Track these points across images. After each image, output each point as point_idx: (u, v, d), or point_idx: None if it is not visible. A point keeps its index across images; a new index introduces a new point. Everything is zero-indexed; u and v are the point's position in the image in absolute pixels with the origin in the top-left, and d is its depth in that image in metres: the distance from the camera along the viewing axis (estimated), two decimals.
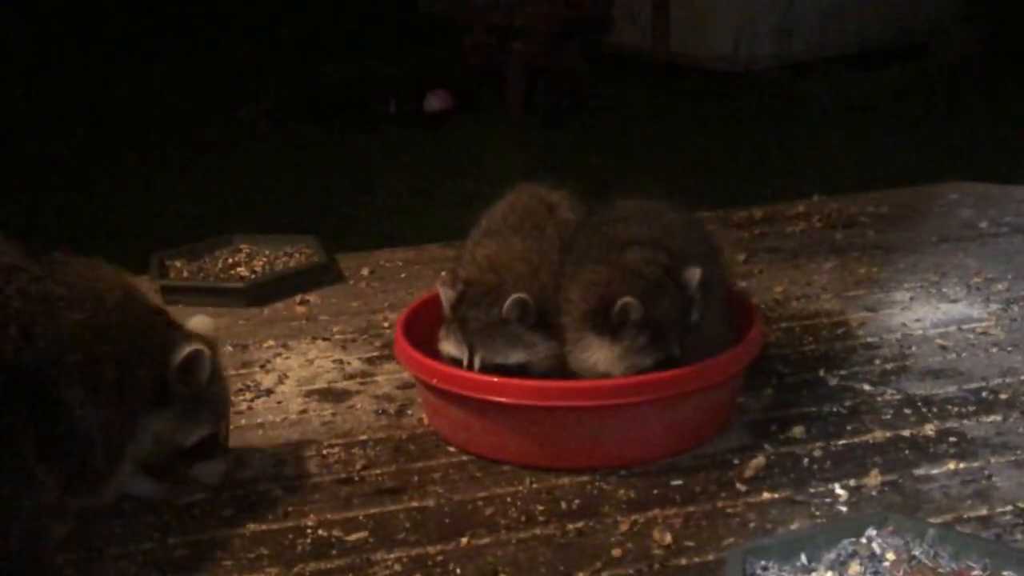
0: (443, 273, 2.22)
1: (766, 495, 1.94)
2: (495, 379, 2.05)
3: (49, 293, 1.80)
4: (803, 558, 1.63)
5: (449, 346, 2.15)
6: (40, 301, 1.78)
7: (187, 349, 1.90)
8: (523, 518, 1.92)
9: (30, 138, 6.95)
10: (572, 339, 2.07)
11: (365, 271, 3.23)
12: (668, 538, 1.82)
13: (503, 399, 2.01)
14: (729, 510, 1.91)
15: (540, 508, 1.95)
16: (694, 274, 2.03)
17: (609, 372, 2.03)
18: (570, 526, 1.89)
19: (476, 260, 2.18)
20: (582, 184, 2.47)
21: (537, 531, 1.88)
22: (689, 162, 6.06)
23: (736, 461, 2.06)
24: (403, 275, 3.22)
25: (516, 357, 2.08)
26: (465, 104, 7.50)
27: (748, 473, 2.01)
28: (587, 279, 2.05)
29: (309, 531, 1.91)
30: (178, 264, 3.22)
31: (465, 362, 2.10)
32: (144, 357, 1.87)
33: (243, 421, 2.35)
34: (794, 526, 1.84)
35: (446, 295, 2.15)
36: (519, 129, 7.16)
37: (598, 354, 2.03)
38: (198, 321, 2.06)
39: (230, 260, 3.25)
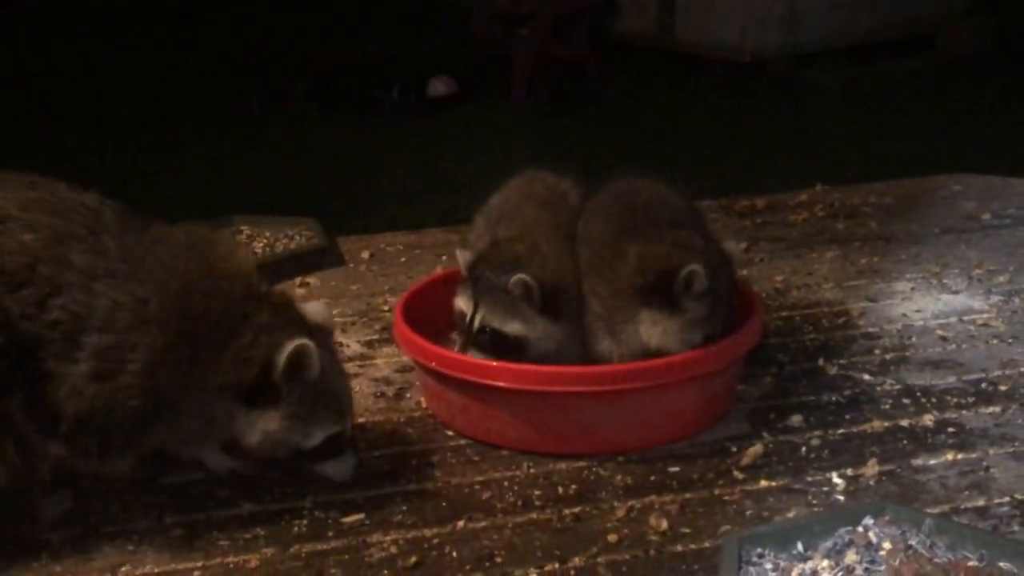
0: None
1: (763, 483, 1.94)
2: (493, 363, 2.05)
3: (96, 267, 1.72)
4: (799, 546, 1.63)
5: (460, 301, 2.15)
6: (81, 273, 1.71)
7: (291, 345, 1.77)
8: (520, 502, 1.92)
9: (31, 119, 6.94)
10: (620, 319, 2.05)
11: (365, 254, 3.23)
12: (664, 524, 1.82)
13: (501, 383, 2.01)
14: (726, 497, 1.91)
15: (537, 493, 1.95)
16: (733, 247, 2.04)
17: (663, 348, 2.02)
18: (567, 511, 1.89)
19: (498, 236, 2.17)
20: (585, 172, 2.46)
21: (534, 515, 1.88)
22: (693, 151, 6.05)
23: (734, 449, 2.06)
24: (403, 259, 3.21)
25: (513, 328, 2.07)
26: (469, 90, 7.48)
27: (746, 461, 2.01)
28: (638, 254, 2.03)
29: (306, 512, 1.91)
30: None
31: (468, 318, 2.10)
32: (234, 347, 1.77)
33: None
34: (791, 514, 1.84)
35: (463, 256, 2.16)
36: (523, 116, 7.15)
37: (654, 328, 2.02)
38: (314, 308, 1.95)
39: None
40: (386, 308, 2.82)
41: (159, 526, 1.88)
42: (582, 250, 2.16)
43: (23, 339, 1.69)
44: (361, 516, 1.89)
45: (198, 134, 6.75)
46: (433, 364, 2.10)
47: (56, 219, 1.77)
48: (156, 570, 1.76)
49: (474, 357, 2.09)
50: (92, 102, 7.49)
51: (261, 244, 3.22)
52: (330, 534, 1.85)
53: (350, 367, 2.50)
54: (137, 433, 1.79)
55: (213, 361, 1.77)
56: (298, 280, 3.04)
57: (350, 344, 2.63)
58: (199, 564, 1.77)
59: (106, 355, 1.72)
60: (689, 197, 2.37)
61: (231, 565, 1.77)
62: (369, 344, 2.63)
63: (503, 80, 7.50)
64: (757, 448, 2.04)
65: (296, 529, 1.86)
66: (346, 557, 1.78)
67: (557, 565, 1.73)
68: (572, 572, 1.72)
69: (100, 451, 1.78)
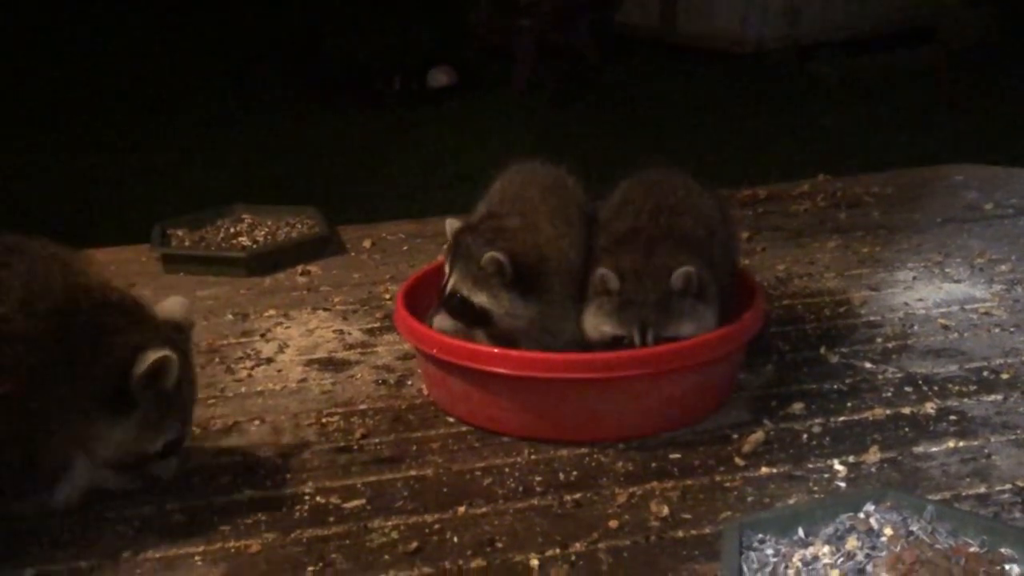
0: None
1: (764, 470, 1.94)
2: (495, 350, 2.05)
3: None
4: (800, 532, 1.63)
5: (445, 267, 2.15)
6: None
7: (151, 357, 1.74)
8: (521, 488, 1.92)
9: (34, 109, 6.94)
10: (676, 310, 2.04)
11: (367, 243, 3.23)
12: (665, 510, 1.82)
13: (503, 370, 2.01)
14: (727, 484, 1.90)
15: (538, 479, 1.95)
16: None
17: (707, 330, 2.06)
18: (567, 497, 1.88)
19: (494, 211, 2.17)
20: (586, 163, 2.45)
21: (534, 501, 1.88)
22: (695, 141, 6.04)
23: (735, 436, 2.06)
24: (405, 248, 3.21)
25: (480, 299, 2.07)
26: (470, 81, 7.47)
27: (747, 448, 2.01)
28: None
29: (307, 498, 1.91)
30: (180, 233, 3.21)
31: (444, 280, 2.11)
32: (95, 359, 1.73)
33: (243, 389, 2.35)
34: (792, 501, 1.84)
35: (451, 224, 2.16)
36: (524, 107, 7.14)
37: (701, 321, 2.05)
38: (171, 304, 1.91)
39: (232, 229, 3.24)
40: (387, 296, 2.82)
41: (160, 512, 1.88)
42: (600, 236, 2.15)
43: None
44: (362, 502, 1.90)
45: (200, 123, 6.74)
46: (434, 351, 2.10)
47: None
48: (157, 555, 1.76)
49: (442, 322, 2.09)
50: (93, 92, 7.48)
51: (263, 233, 3.22)
52: (331, 519, 1.85)
53: (351, 355, 2.50)
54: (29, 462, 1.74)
55: (79, 376, 1.72)
56: (299, 268, 3.04)
57: (351, 332, 2.63)
58: (200, 549, 1.77)
59: None
60: (718, 192, 2.38)
61: (232, 550, 1.77)
62: (370, 332, 2.63)
63: (504, 71, 7.49)
64: (758, 435, 2.04)
65: (297, 515, 1.86)
66: (347, 542, 1.78)
67: (558, 550, 1.73)
68: (573, 557, 1.72)
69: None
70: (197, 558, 1.75)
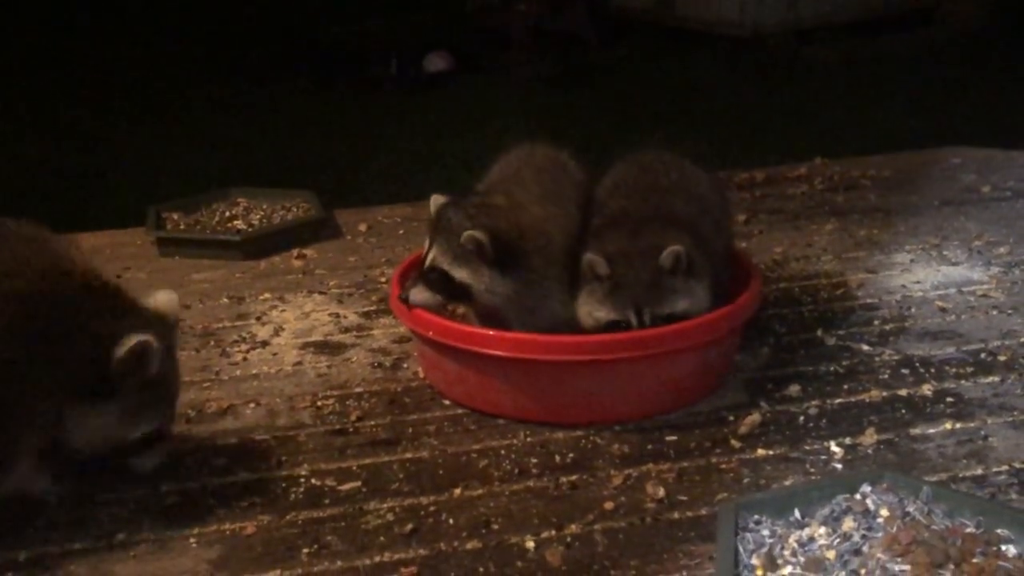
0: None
1: (761, 452, 1.94)
2: (491, 332, 2.04)
3: None
4: (796, 513, 1.63)
5: (426, 241, 2.13)
6: None
7: (132, 340, 1.69)
8: (516, 470, 1.92)
9: (31, 91, 6.91)
10: (668, 288, 2.03)
11: (363, 227, 3.22)
12: (661, 492, 1.82)
13: (499, 352, 2.00)
14: (723, 466, 1.90)
15: (534, 461, 1.94)
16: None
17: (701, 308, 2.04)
18: (563, 479, 1.88)
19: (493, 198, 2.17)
20: (585, 146, 2.44)
21: (530, 483, 1.88)
22: (693, 124, 6.02)
23: (731, 418, 2.05)
24: (401, 231, 3.20)
25: (459, 274, 2.06)
26: (466, 65, 7.45)
27: (743, 430, 2.00)
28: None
29: (302, 480, 1.91)
30: (175, 216, 3.20)
31: (424, 253, 2.10)
32: (74, 344, 1.68)
33: (238, 372, 2.34)
34: (788, 482, 1.83)
35: (436, 200, 2.15)
36: (521, 91, 7.11)
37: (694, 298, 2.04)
38: (160, 298, 1.86)
39: (227, 213, 3.23)
40: (383, 280, 2.81)
41: (154, 494, 1.88)
42: (594, 217, 2.15)
43: None
44: (358, 484, 1.89)
45: (196, 107, 6.72)
46: (430, 333, 2.09)
47: None
48: (152, 537, 1.76)
49: (419, 295, 2.08)
50: (88, 75, 7.45)
51: (258, 216, 3.21)
52: (327, 502, 1.84)
53: (347, 338, 2.49)
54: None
55: (53, 361, 1.67)
56: (295, 251, 3.03)
57: (347, 315, 2.62)
58: (195, 531, 1.77)
59: None
60: (713, 173, 2.37)
61: (227, 532, 1.77)
62: (366, 315, 2.62)
63: (501, 55, 7.46)
64: (755, 417, 2.03)
65: (292, 497, 1.86)
66: (343, 524, 1.78)
67: (553, 532, 1.73)
68: (568, 539, 1.71)
69: None
70: (192, 540, 1.75)
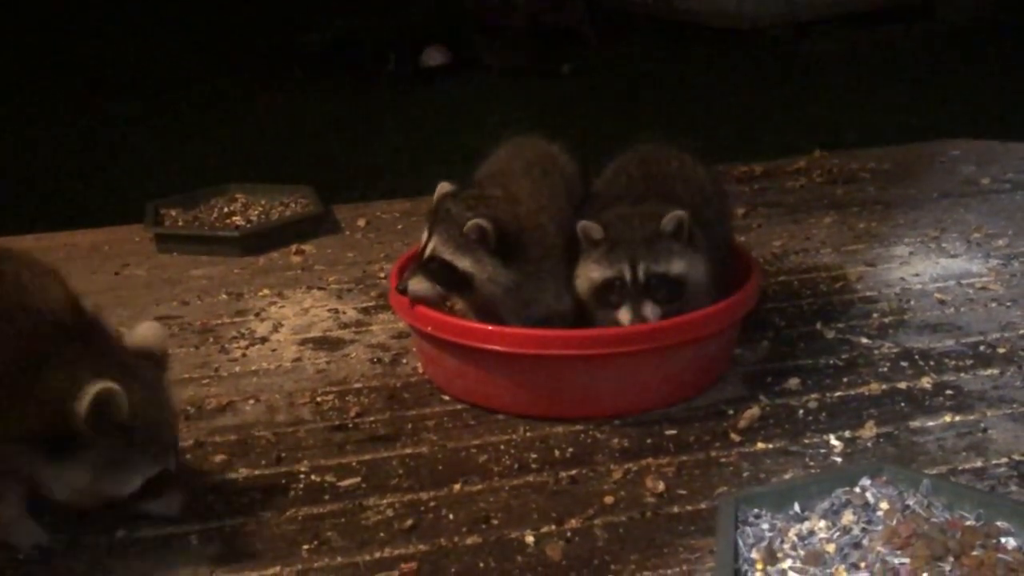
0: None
1: (760, 445, 1.94)
2: (489, 327, 2.04)
3: None
4: (796, 507, 1.63)
5: (424, 233, 2.12)
6: None
7: (93, 390, 1.51)
8: (516, 466, 1.91)
9: (29, 88, 6.90)
10: (666, 248, 2.01)
11: (361, 222, 3.22)
12: (661, 486, 1.82)
13: (497, 347, 2.00)
14: (723, 460, 1.90)
15: (533, 456, 1.94)
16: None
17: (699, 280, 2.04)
18: (563, 474, 1.88)
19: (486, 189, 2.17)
20: (582, 140, 2.44)
21: (530, 478, 1.88)
22: (691, 118, 6.01)
23: (731, 412, 2.05)
24: (399, 226, 3.20)
25: (462, 263, 2.05)
26: (464, 60, 7.43)
27: (742, 424, 2.00)
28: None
29: (302, 476, 1.91)
30: (173, 212, 3.20)
31: (423, 244, 2.08)
32: (31, 395, 1.53)
33: (237, 368, 2.34)
34: (788, 476, 1.83)
35: (442, 187, 2.14)
36: (518, 85, 7.10)
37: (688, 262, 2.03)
38: (143, 332, 1.71)
39: (226, 209, 3.23)
40: (382, 275, 2.81)
41: None
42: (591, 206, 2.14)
43: None
44: (357, 480, 1.89)
45: (193, 102, 6.71)
46: (429, 329, 2.09)
47: None
48: (152, 534, 1.76)
49: (419, 285, 2.06)
50: (86, 71, 7.44)
51: (256, 211, 3.21)
52: (326, 498, 1.84)
53: (346, 334, 2.49)
54: None
55: (14, 407, 1.53)
56: (294, 247, 3.03)
57: (347, 311, 2.62)
58: (195, 528, 1.77)
59: None
60: (712, 167, 2.36)
61: (228, 529, 1.77)
62: (365, 311, 2.62)
63: (499, 50, 7.45)
64: (754, 411, 2.03)
65: (292, 493, 1.86)
66: (343, 520, 1.78)
67: (553, 527, 1.73)
68: (568, 534, 1.71)
69: None
70: (192, 537, 1.75)
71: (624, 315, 2.00)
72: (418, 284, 2.08)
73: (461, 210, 2.06)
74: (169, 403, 1.70)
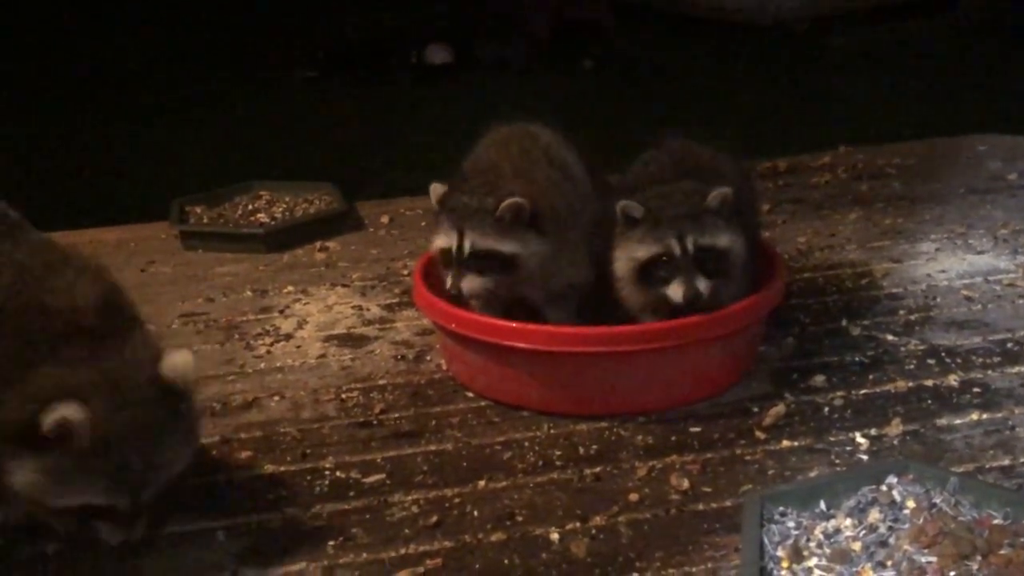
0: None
1: (785, 443, 1.93)
2: (513, 324, 2.04)
3: None
4: (822, 505, 1.62)
5: (439, 238, 2.09)
6: None
7: (58, 413, 1.48)
8: (540, 463, 1.92)
9: (52, 87, 6.95)
10: (711, 223, 2.00)
11: (385, 219, 3.22)
12: (685, 483, 1.81)
13: (521, 344, 2.00)
14: (748, 457, 1.89)
15: (558, 453, 1.94)
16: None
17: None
18: (587, 471, 1.88)
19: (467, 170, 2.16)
20: (605, 135, 2.43)
21: (554, 475, 1.88)
22: (713, 114, 5.98)
23: (756, 409, 2.04)
24: (423, 223, 3.19)
25: (507, 247, 2.04)
26: (480, 55, 7.42)
27: (767, 421, 1.99)
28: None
29: (327, 473, 1.92)
30: (198, 210, 3.22)
31: (454, 247, 2.05)
32: (12, 389, 1.53)
33: (262, 365, 2.35)
34: (813, 474, 1.83)
35: (435, 190, 2.11)
36: (540, 81, 7.09)
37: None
38: (173, 361, 1.61)
39: (250, 206, 3.25)
40: (405, 272, 2.81)
41: (180, 487, 1.88)
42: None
43: None
44: (382, 476, 1.90)
45: (216, 100, 6.73)
46: (453, 326, 2.09)
47: None
48: (178, 530, 1.77)
49: (472, 283, 2.04)
50: (110, 68, 7.48)
51: (280, 209, 3.23)
52: (351, 494, 1.85)
53: (370, 330, 2.50)
54: None
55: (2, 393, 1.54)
56: (318, 244, 3.04)
57: (370, 307, 2.63)
58: (221, 524, 1.78)
59: None
60: (741, 160, 2.35)
61: (254, 525, 1.78)
62: (389, 308, 2.63)
63: (518, 43, 7.44)
64: (779, 408, 2.02)
65: (318, 489, 1.87)
66: (368, 516, 1.78)
67: (578, 524, 1.73)
68: (593, 531, 1.71)
69: None
70: (219, 533, 1.76)
71: (676, 290, 1.97)
72: (470, 283, 2.05)
73: (482, 197, 2.05)
74: (159, 435, 1.58)
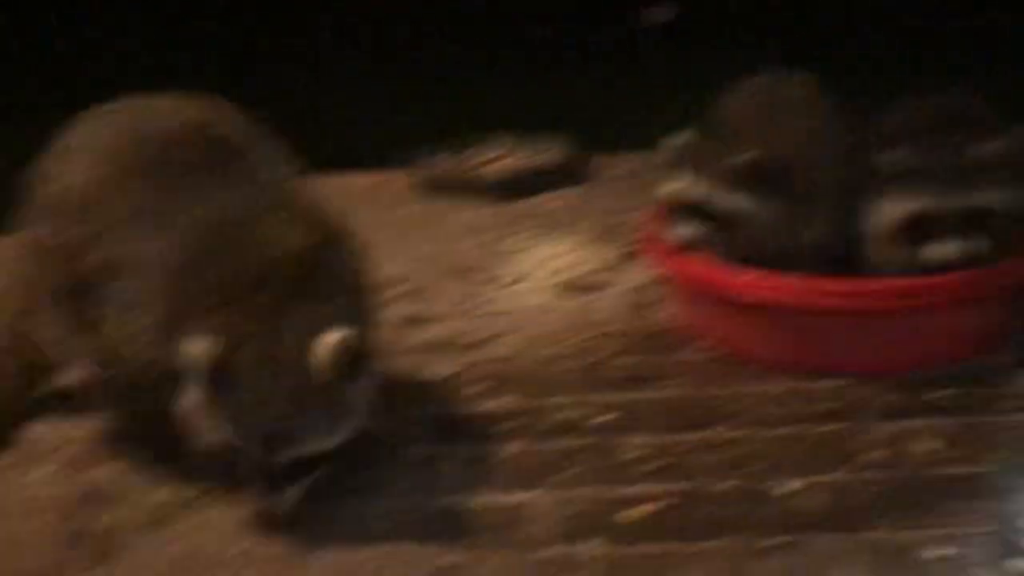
0: None
1: None
2: (747, 278, 1.98)
3: None
4: None
5: (669, 187, 2.10)
6: None
7: (200, 344, 1.56)
8: (774, 416, 1.87)
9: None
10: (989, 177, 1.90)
11: (617, 171, 3.22)
12: (931, 447, 1.72)
13: (759, 299, 1.95)
14: (997, 426, 1.77)
15: (792, 408, 1.89)
16: None
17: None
18: (822, 428, 1.82)
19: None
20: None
21: (787, 430, 1.82)
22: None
23: (1008, 377, 1.91)
24: (652, 177, 3.17)
25: (737, 204, 2.02)
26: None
27: (1021, 390, 1.86)
28: None
29: (556, 411, 1.94)
30: (435, 159, 3.32)
31: (685, 197, 2.05)
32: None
33: (495, 307, 2.41)
34: None
35: (670, 143, 2.12)
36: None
37: None
38: (325, 339, 1.57)
39: (487, 157, 3.33)
40: (635, 225, 2.79)
41: (418, 415, 1.95)
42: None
43: None
44: (610, 418, 1.90)
45: (458, 49, 6.87)
46: (690, 278, 2.07)
47: None
48: (418, 454, 1.83)
49: (686, 230, 2.05)
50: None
51: (513, 160, 3.29)
52: (579, 433, 1.87)
53: (600, 279, 2.50)
54: None
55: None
56: (551, 194, 3.07)
57: (601, 257, 2.63)
58: (452, 452, 1.83)
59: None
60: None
61: (486, 453, 1.82)
62: (620, 258, 2.62)
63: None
64: None
65: (546, 425, 1.90)
66: (595, 455, 1.80)
67: (812, 479, 1.68)
68: (827, 487, 1.65)
69: None
70: (454, 459, 1.81)
71: (947, 249, 1.88)
72: (686, 229, 2.05)
73: (718, 150, 2.02)
74: (305, 406, 1.56)
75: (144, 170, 1.74)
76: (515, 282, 2.53)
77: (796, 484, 1.67)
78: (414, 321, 2.34)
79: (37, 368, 1.95)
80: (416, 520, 1.66)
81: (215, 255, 1.64)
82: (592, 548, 1.57)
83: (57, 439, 1.95)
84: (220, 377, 1.55)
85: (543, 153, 3.31)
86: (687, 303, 2.18)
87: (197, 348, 1.56)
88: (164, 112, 1.84)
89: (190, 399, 1.61)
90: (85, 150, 1.80)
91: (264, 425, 1.55)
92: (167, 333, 1.62)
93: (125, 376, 1.73)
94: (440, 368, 2.12)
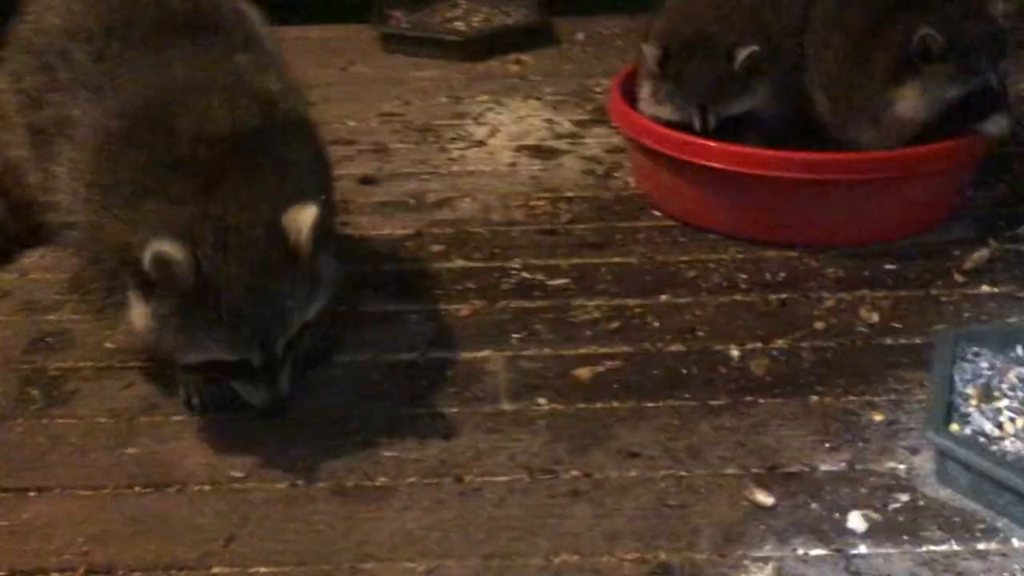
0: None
1: (985, 288, 1.86)
2: (712, 143, 2.00)
3: None
4: (1019, 350, 1.57)
5: (669, 111, 2.07)
6: None
7: (153, 247, 1.38)
8: (725, 284, 1.91)
9: None
10: (879, 100, 1.95)
11: (580, 35, 3.18)
12: (875, 317, 1.78)
13: (717, 164, 1.96)
14: (943, 298, 1.84)
15: (743, 276, 1.93)
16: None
17: (914, 117, 1.93)
18: (773, 296, 1.87)
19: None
20: None
21: (738, 297, 1.87)
22: None
23: (957, 252, 1.96)
24: (619, 43, 3.14)
25: (750, 103, 2.03)
26: None
27: (968, 265, 1.92)
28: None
29: (514, 272, 1.97)
30: (398, 14, 3.24)
31: (697, 123, 2.03)
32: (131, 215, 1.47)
33: (455, 168, 2.41)
34: (1012, 320, 1.76)
35: (652, 55, 2.07)
36: None
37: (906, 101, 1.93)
38: (293, 215, 1.45)
39: (448, 14, 3.25)
40: (599, 90, 2.78)
41: (374, 272, 1.98)
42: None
43: None
44: (566, 281, 1.94)
45: None
46: (648, 142, 2.07)
47: None
48: (372, 310, 1.86)
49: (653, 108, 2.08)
50: None
51: (478, 18, 3.22)
52: (536, 294, 1.90)
53: (560, 144, 2.51)
54: None
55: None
56: (513, 56, 3.03)
57: (562, 122, 2.63)
58: (413, 309, 1.86)
59: None
60: None
61: (443, 312, 1.86)
62: (580, 124, 2.62)
63: None
64: (982, 253, 1.94)
65: (504, 286, 1.93)
66: (551, 316, 1.84)
67: (759, 344, 1.73)
68: (774, 353, 1.71)
69: None
70: (412, 316, 1.84)
71: (997, 125, 1.91)
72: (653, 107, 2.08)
73: (714, 59, 2.02)
74: (285, 289, 1.45)
75: (110, 29, 1.66)
76: (475, 144, 2.52)
77: (746, 349, 1.73)
78: (373, 180, 2.34)
79: (23, 203, 1.86)
80: (376, 375, 1.70)
81: (146, 132, 1.51)
82: (545, 404, 1.62)
83: (20, 282, 1.95)
84: (202, 283, 1.41)
85: (507, 13, 3.25)
86: (644, 170, 2.20)
87: (174, 251, 1.38)
88: None
89: (160, 312, 1.44)
90: None
91: (261, 319, 1.44)
92: (101, 203, 1.50)
93: (74, 232, 1.63)
94: (398, 227, 2.13)
